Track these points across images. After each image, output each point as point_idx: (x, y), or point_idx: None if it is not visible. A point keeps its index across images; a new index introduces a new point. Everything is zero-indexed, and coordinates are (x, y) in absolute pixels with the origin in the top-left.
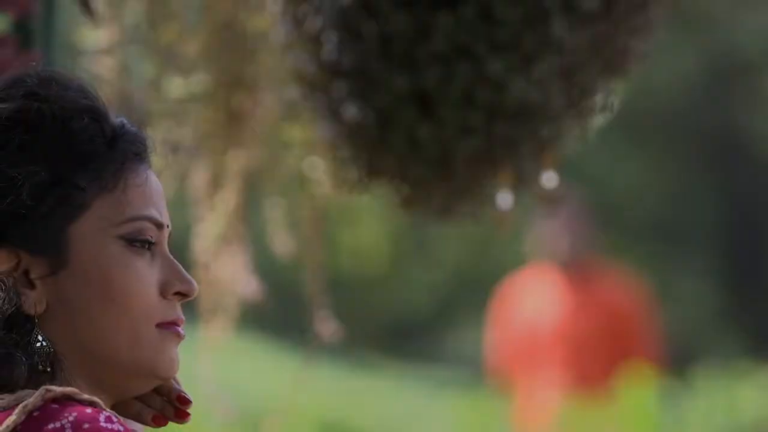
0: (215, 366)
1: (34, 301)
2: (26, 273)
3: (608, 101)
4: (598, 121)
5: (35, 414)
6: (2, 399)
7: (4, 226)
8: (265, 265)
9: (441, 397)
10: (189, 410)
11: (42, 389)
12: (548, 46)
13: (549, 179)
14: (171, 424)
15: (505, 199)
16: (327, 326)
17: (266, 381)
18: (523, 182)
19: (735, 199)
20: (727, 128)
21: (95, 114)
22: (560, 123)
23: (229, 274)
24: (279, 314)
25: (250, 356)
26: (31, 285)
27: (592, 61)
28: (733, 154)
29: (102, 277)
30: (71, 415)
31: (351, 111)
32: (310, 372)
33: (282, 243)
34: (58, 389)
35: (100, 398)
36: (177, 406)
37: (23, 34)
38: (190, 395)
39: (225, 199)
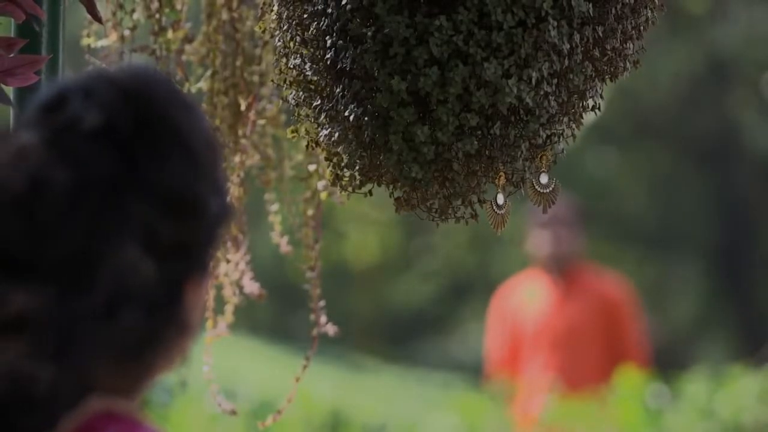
0: (215, 365)
1: None
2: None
3: (599, 103)
4: (590, 122)
5: (76, 427)
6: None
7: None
8: (265, 264)
9: (440, 399)
10: None
11: (85, 403)
12: (543, 50)
13: (543, 181)
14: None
15: (501, 200)
16: (326, 327)
17: (265, 381)
18: (518, 184)
19: (723, 202)
20: (718, 131)
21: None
22: (554, 125)
23: (229, 273)
24: (278, 314)
25: (250, 356)
26: None
27: (585, 65)
28: (723, 157)
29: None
30: (106, 430)
31: (351, 112)
32: (309, 372)
33: (282, 243)
34: (96, 403)
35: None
36: None
37: (29, 36)
38: None
39: None
